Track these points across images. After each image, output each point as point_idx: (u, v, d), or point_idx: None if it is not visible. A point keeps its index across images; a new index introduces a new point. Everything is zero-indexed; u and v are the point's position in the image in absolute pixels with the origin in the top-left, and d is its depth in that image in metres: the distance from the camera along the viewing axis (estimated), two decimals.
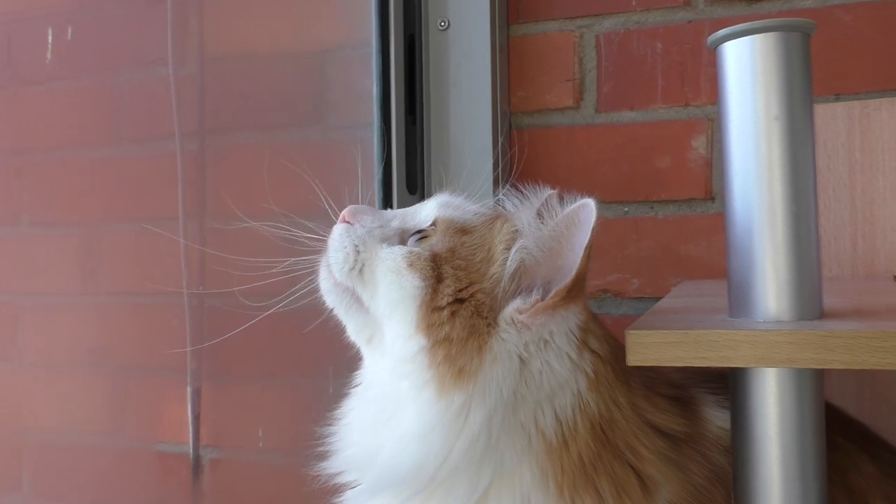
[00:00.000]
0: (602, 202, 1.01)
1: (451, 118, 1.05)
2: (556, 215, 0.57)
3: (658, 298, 0.91)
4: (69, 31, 1.21)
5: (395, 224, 0.64)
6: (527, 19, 1.04)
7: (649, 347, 0.51)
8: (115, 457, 1.18)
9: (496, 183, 0.99)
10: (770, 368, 0.50)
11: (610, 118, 1.05)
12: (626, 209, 1.04)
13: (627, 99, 1.04)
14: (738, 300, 0.53)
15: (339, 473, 0.61)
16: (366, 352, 0.64)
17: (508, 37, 1.06)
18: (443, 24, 1.01)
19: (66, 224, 1.19)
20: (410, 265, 0.58)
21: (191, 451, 1.11)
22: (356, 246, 0.61)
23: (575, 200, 0.56)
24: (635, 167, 1.02)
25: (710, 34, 0.53)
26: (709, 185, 1.00)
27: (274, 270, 0.64)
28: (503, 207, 0.64)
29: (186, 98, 1.12)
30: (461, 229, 0.61)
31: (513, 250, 0.57)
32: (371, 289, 0.61)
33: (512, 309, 0.56)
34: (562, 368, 0.56)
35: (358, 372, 0.67)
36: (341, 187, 0.73)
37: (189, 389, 1.10)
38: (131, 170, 1.17)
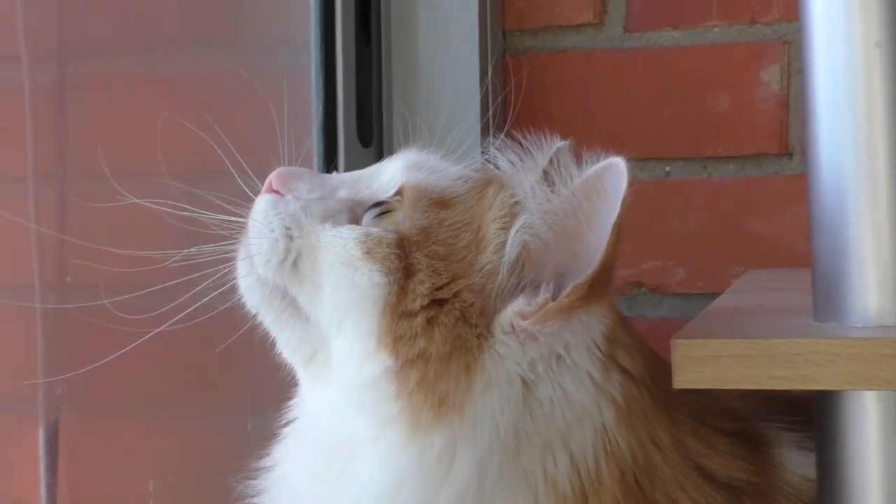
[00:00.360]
0: (635, 160, 1.02)
1: (420, 38, 1.07)
2: (573, 180, 0.58)
3: (712, 295, 0.92)
4: None
5: (343, 194, 0.65)
6: None
7: (705, 363, 0.52)
8: None
9: (485, 132, 1.00)
10: (871, 392, 0.51)
11: (645, 40, 1.06)
12: (667, 169, 1.05)
13: (669, 13, 1.05)
14: (826, 298, 0.55)
15: None
16: (304, 376, 0.66)
17: None
18: None
19: None
20: (367, 253, 0.60)
21: None
22: (288, 228, 0.63)
23: (598, 159, 0.57)
24: (681, 110, 1.03)
25: None
26: (784, 134, 1.02)
27: (167, 264, 0.66)
28: (495, 167, 0.65)
29: (37, 5, 1.13)
30: (439, 201, 0.63)
31: (513, 230, 0.59)
32: (311, 288, 0.62)
33: (512, 313, 0.58)
34: (580, 394, 0.57)
35: (292, 402, 0.69)
36: (263, 139, 0.75)
37: (41, 427, 1.10)
38: None
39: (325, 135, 1.02)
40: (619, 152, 0.57)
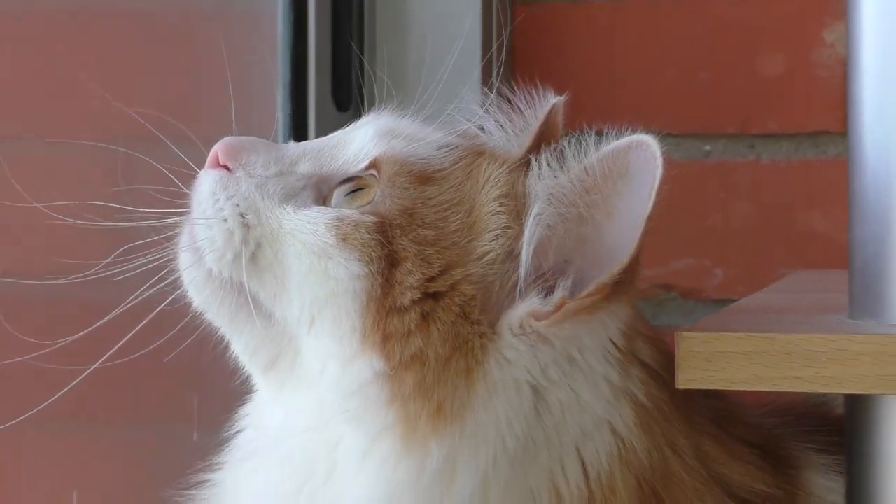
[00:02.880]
0: (667, 135, 1.03)
1: None
2: (588, 155, 0.61)
3: None
4: None
5: (304, 168, 0.68)
6: None
7: (713, 361, 0.57)
8: None
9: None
10: None
11: None
12: (706, 148, 1.06)
13: None
14: (862, 294, 0.60)
15: None
16: (265, 382, 0.69)
17: None
18: None
19: None
20: (343, 240, 0.63)
21: None
22: (243, 215, 0.66)
23: (619, 134, 0.60)
24: (724, 74, 1.07)
25: None
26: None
27: (83, 277, 0.68)
28: (481, 129, 0.70)
29: None
30: (421, 176, 0.66)
31: (533, 219, 0.63)
32: (274, 282, 0.65)
33: (524, 313, 0.60)
34: (597, 400, 0.61)
35: (244, 411, 0.73)
36: (211, 100, 0.79)
37: None
38: None
39: (293, 95, 1.06)
40: (648, 127, 0.59)
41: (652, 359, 0.64)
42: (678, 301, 1.03)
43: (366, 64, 1.10)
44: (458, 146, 0.68)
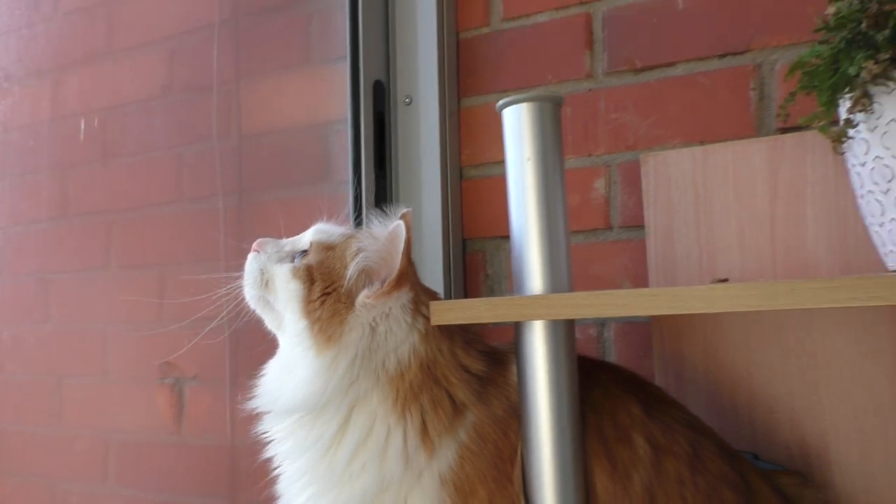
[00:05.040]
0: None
1: (412, 173, 1.31)
2: (385, 233, 0.79)
3: None
4: (145, 117, 1.50)
5: (287, 248, 0.86)
6: (473, 93, 1.31)
7: (441, 312, 0.77)
8: (177, 452, 1.46)
9: (445, 219, 1.25)
10: (536, 322, 0.70)
11: None
12: None
13: None
14: (515, 283, 0.78)
15: (258, 407, 0.83)
16: (278, 334, 0.88)
17: (459, 108, 1.31)
18: (407, 100, 1.25)
19: (143, 266, 1.54)
20: (294, 275, 0.81)
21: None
22: (261, 269, 0.84)
23: (394, 221, 0.78)
24: None
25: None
26: (608, 217, 1.13)
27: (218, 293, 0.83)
28: (371, 224, 0.83)
29: (229, 165, 1.37)
30: (326, 247, 0.83)
31: (356, 260, 0.80)
32: (274, 294, 0.83)
33: (363, 296, 0.79)
34: (400, 331, 0.78)
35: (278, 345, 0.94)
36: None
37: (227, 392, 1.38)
38: (188, 222, 1.50)
39: (356, 223, 1.24)
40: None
41: (429, 314, 0.79)
42: None
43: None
44: (346, 234, 0.86)
